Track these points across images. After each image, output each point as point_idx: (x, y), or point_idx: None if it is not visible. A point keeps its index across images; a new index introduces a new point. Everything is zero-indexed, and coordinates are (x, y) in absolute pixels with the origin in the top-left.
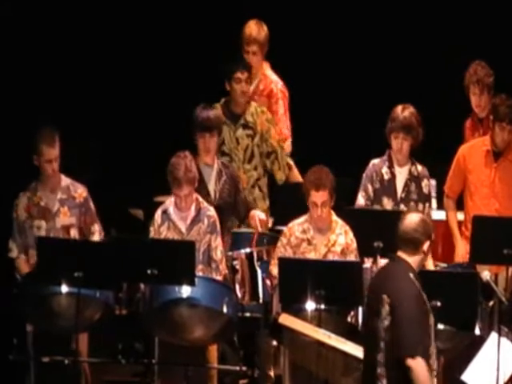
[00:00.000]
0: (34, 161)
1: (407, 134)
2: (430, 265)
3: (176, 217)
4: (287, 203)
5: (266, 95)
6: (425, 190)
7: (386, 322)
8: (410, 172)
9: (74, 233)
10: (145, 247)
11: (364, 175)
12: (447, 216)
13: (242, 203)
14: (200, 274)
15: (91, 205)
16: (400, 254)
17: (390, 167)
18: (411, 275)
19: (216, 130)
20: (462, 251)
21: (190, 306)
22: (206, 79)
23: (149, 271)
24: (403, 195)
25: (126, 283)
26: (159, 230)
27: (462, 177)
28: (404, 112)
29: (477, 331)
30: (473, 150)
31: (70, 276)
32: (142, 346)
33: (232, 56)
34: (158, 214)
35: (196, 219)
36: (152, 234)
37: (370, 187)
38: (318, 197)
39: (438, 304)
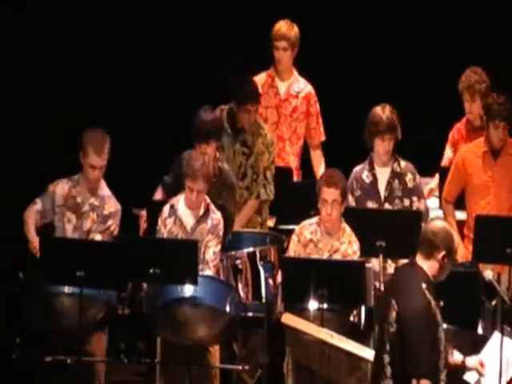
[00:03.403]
0: (80, 158)
1: (392, 134)
2: None
3: (183, 213)
4: (290, 203)
5: (304, 97)
6: (410, 185)
7: (392, 329)
8: (393, 170)
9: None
10: (148, 247)
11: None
12: (447, 222)
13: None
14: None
15: (111, 222)
16: (417, 257)
17: (371, 169)
18: (423, 285)
19: (214, 138)
20: (462, 252)
21: (193, 305)
22: (208, 78)
23: (151, 270)
24: (386, 194)
25: (129, 283)
26: (165, 221)
27: (462, 182)
28: (385, 112)
29: (479, 330)
30: (471, 154)
31: (73, 275)
32: (144, 345)
33: (243, 77)
34: (167, 206)
35: (202, 220)
36: (159, 224)
37: (350, 197)
38: (329, 194)
39: (441, 303)
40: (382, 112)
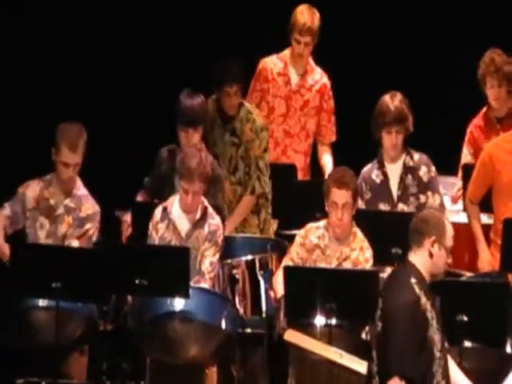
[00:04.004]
0: (52, 154)
1: (401, 126)
2: None
3: (177, 218)
4: (294, 204)
5: (318, 90)
6: (424, 179)
7: (378, 329)
8: (405, 164)
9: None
10: (133, 254)
11: None
12: (471, 224)
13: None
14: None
15: (88, 226)
16: (409, 254)
17: (381, 167)
18: (413, 280)
19: (201, 124)
20: (488, 258)
21: (184, 320)
22: (194, 71)
23: (137, 281)
24: (399, 193)
25: (112, 295)
26: (157, 226)
27: (489, 180)
28: (394, 102)
29: (508, 349)
30: (499, 149)
31: (48, 287)
32: (129, 365)
33: (222, 59)
34: (159, 209)
35: (198, 224)
36: (150, 229)
37: (358, 201)
38: (340, 196)
39: (465, 318)
40: (391, 101)
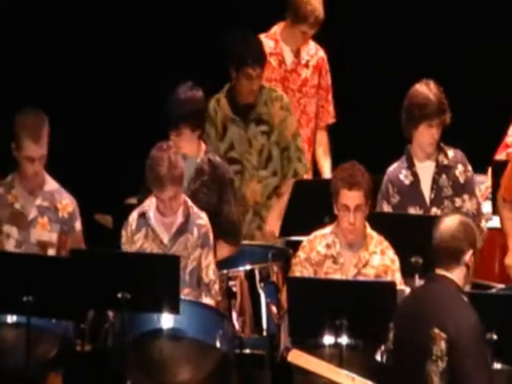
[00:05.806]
0: (11, 150)
1: (442, 118)
2: None
3: (157, 223)
4: (302, 206)
5: (315, 66)
6: (461, 179)
7: (442, 364)
8: (438, 163)
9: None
10: (114, 264)
11: (380, 192)
12: (504, 226)
13: (226, 220)
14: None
15: (77, 225)
16: (439, 270)
17: (411, 167)
18: (464, 298)
19: (200, 126)
20: None
21: (173, 339)
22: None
23: (119, 295)
24: (433, 196)
25: (90, 311)
26: (133, 237)
27: None
28: (432, 90)
29: None
30: None
31: (18, 301)
32: None
33: (243, 37)
34: (134, 216)
35: (183, 228)
36: (123, 241)
37: (385, 206)
38: (351, 198)
39: (494, 337)
40: (428, 90)
